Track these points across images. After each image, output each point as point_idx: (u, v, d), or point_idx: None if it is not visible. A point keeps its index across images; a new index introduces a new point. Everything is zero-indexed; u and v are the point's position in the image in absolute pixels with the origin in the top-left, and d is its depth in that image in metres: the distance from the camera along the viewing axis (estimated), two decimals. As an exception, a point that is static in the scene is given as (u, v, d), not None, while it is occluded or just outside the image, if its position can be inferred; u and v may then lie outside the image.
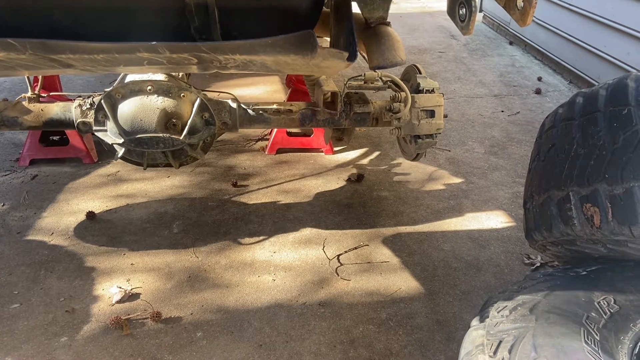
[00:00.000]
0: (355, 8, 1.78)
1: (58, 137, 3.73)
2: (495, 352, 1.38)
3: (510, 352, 1.36)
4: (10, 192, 3.29)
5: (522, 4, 1.33)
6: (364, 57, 2.22)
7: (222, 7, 1.52)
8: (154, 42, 1.33)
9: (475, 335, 1.50)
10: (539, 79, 5.41)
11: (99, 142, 3.53)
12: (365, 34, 2.03)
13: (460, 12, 1.45)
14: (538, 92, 5.07)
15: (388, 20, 2.01)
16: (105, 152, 3.64)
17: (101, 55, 1.43)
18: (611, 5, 4.57)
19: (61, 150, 3.62)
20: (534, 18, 1.36)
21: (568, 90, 5.10)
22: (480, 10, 7.47)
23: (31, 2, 1.46)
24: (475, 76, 5.48)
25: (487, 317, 1.57)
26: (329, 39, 2.19)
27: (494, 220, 3.10)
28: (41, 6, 1.49)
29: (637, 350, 1.45)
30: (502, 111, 4.62)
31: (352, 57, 1.50)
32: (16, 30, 1.54)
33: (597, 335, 1.43)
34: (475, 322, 1.60)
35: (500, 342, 1.41)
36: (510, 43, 6.67)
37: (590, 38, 4.92)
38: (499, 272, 2.68)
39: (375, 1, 1.58)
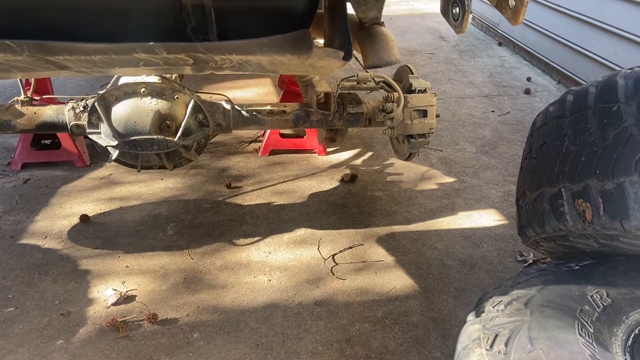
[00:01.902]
0: (349, 9, 1.80)
1: (50, 140, 3.72)
2: (491, 346, 1.40)
3: (506, 345, 1.38)
4: (2, 196, 3.27)
5: (513, 3, 1.35)
6: (355, 58, 2.24)
7: (219, 7, 1.53)
8: (151, 43, 1.34)
9: (472, 329, 1.52)
10: (528, 79, 5.47)
11: (92, 145, 3.54)
12: (360, 34, 2.05)
13: (454, 11, 1.48)
14: (527, 92, 5.12)
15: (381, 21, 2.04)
16: (97, 155, 3.63)
17: (98, 57, 1.43)
18: (598, 6, 4.63)
19: (53, 153, 3.60)
20: (523, 18, 1.39)
21: (557, 90, 5.15)
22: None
23: (26, 2, 1.46)
24: (465, 77, 5.52)
25: (483, 311, 1.59)
26: (321, 40, 2.21)
27: (487, 218, 3.13)
28: (36, 7, 1.49)
29: (630, 342, 1.47)
30: (493, 111, 4.66)
31: (347, 56, 1.52)
32: (9, 31, 1.54)
33: (590, 327, 1.45)
34: (471, 317, 1.62)
35: (497, 335, 1.43)
36: (499, 44, 6.73)
37: (578, 38, 4.98)
38: (492, 270, 2.71)
39: (369, 1, 1.60)
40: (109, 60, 1.48)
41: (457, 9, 1.46)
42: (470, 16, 7.71)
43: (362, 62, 2.34)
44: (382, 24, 2.08)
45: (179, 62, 1.57)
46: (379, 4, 1.64)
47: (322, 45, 1.99)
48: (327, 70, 1.75)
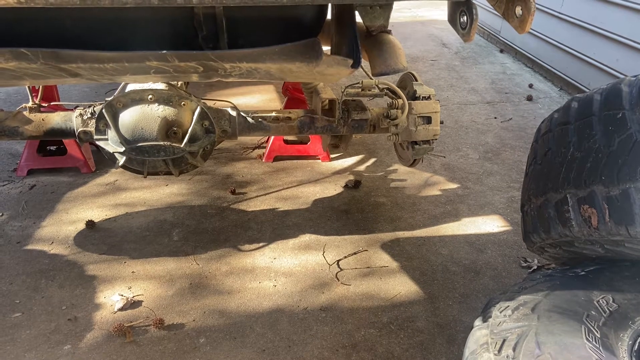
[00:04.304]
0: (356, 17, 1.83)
1: (55, 147, 3.74)
2: (499, 350, 1.42)
3: (514, 349, 1.39)
4: (8, 202, 3.29)
5: (520, 12, 1.38)
6: (361, 66, 2.26)
7: (230, 16, 1.55)
8: (164, 51, 1.36)
9: (479, 334, 1.54)
10: (530, 85, 5.50)
11: (97, 151, 3.56)
12: (367, 42, 2.08)
13: (461, 20, 1.50)
14: (529, 98, 5.14)
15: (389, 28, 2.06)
16: (102, 162, 3.65)
17: (111, 64, 1.45)
18: (600, 13, 4.67)
19: (59, 160, 3.62)
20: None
21: (559, 97, 5.18)
22: (471, 19, 7.55)
23: (41, 12, 1.48)
24: (467, 83, 5.55)
25: (490, 317, 1.60)
26: (326, 48, 2.23)
27: (491, 224, 3.14)
28: (52, 16, 1.51)
29: (636, 347, 1.48)
30: (495, 118, 4.68)
31: (356, 64, 1.54)
32: (24, 39, 1.57)
33: (597, 332, 1.46)
34: (478, 322, 1.64)
35: (504, 340, 1.44)
36: (501, 51, 6.77)
37: (580, 45, 5.01)
38: (497, 276, 2.72)
39: (376, 10, 1.62)
40: (121, 68, 1.50)
41: (465, 18, 1.48)
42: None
43: (365, 70, 2.37)
44: (389, 31, 2.11)
45: (189, 70, 1.59)
46: (386, 12, 1.66)
47: (329, 53, 2.01)
48: (335, 77, 1.78)
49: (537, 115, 4.73)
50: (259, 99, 4.93)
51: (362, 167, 3.80)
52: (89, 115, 2.47)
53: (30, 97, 2.62)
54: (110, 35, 1.60)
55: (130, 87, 2.40)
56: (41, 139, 3.22)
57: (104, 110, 2.32)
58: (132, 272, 2.70)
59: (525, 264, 2.78)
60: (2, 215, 3.16)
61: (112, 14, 1.53)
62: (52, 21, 1.54)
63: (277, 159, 3.85)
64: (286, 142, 3.86)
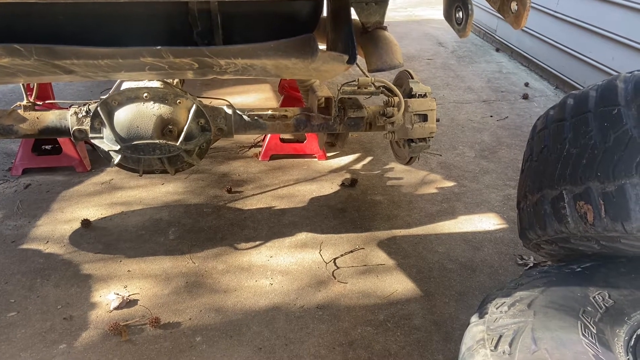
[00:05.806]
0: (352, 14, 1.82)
1: (50, 146, 3.72)
2: (496, 346, 1.42)
3: (510, 345, 1.39)
4: (3, 201, 3.27)
5: (516, 7, 1.38)
6: (356, 64, 2.26)
7: (225, 12, 1.55)
8: (158, 47, 1.35)
9: (476, 330, 1.54)
10: (526, 84, 5.51)
11: (92, 150, 3.55)
12: (363, 39, 2.07)
13: (457, 15, 1.50)
14: (525, 97, 5.15)
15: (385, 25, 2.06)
16: (98, 160, 3.64)
17: (105, 61, 1.44)
18: (596, 12, 4.68)
19: (54, 159, 3.61)
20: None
21: (554, 95, 5.19)
22: (467, 18, 7.56)
23: (36, 8, 1.47)
24: (463, 82, 5.55)
25: (486, 313, 1.60)
26: (322, 46, 2.22)
27: (487, 222, 3.14)
28: (45, 12, 1.51)
29: (632, 342, 1.49)
30: (491, 116, 4.69)
31: (351, 60, 1.53)
32: (16, 35, 1.56)
33: (593, 328, 1.47)
34: (474, 318, 1.64)
35: (501, 336, 1.44)
36: (497, 50, 6.78)
37: (576, 44, 5.03)
38: (493, 273, 2.72)
39: (372, 6, 1.62)
40: (116, 64, 1.49)
41: (460, 13, 1.48)
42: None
43: (361, 67, 2.37)
44: (385, 28, 2.11)
45: (184, 67, 1.58)
46: (381, 8, 1.66)
47: (324, 50, 2.00)
48: (331, 74, 1.77)
49: (533, 113, 4.74)
50: (255, 97, 4.92)
51: (358, 166, 3.80)
52: (84, 114, 2.45)
53: (24, 96, 2.60)
54: (105, 31, 1.59)
55: (126, 85, 2.39)
56: (36, 138, 3.21)
57: (99, 109, 2.31)
58: (128, 270, 2.69)
59: (522, 262, 2.79)
60: (-3, 214, 3.15)
61: (106, 10, 1.52)
62: (45, 17, 1.53)
63: (273, 157, 3.84)
64: (282, 140, 3.85)
